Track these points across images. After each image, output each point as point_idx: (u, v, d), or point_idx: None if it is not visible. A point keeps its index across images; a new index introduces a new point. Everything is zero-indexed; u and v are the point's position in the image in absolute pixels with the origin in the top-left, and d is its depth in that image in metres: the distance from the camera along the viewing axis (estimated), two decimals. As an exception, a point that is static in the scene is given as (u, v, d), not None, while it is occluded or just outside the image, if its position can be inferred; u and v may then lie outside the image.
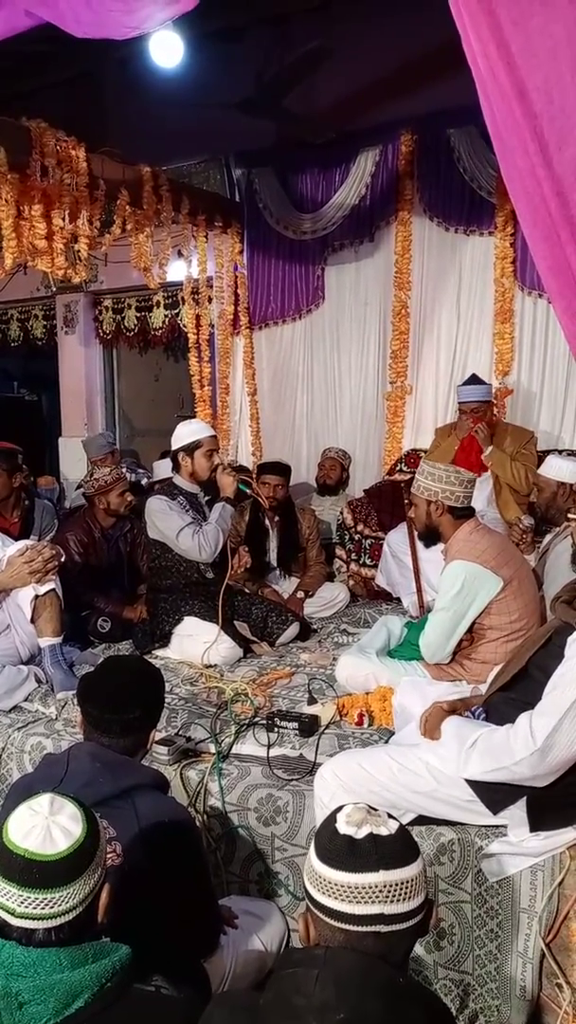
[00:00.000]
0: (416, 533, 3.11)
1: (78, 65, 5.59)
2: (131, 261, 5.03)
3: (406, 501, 4.40)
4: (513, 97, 1.91)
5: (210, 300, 5.88)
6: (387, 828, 1.21)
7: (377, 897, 1.15)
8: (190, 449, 3.72)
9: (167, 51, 4.63)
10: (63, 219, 4.20)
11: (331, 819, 1.25)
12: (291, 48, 5.21)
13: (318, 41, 4.97)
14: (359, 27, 5.10)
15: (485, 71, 1.96)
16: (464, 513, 2.90)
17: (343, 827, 1.21)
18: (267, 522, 4.51)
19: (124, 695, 1.89)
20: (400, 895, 1.16)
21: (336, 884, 1.17)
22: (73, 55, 4.72)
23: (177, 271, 5.59)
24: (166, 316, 6.63)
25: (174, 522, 3.61)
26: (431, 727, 2.24)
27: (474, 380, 4.65)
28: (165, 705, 2.99)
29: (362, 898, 1.15)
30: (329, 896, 1.17)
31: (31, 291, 7.12)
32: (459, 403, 4.64)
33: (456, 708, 2.31)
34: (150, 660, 3.41)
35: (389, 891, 1.16)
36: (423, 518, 2.94)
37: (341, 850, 1.19)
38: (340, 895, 1.16)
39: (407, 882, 1.17)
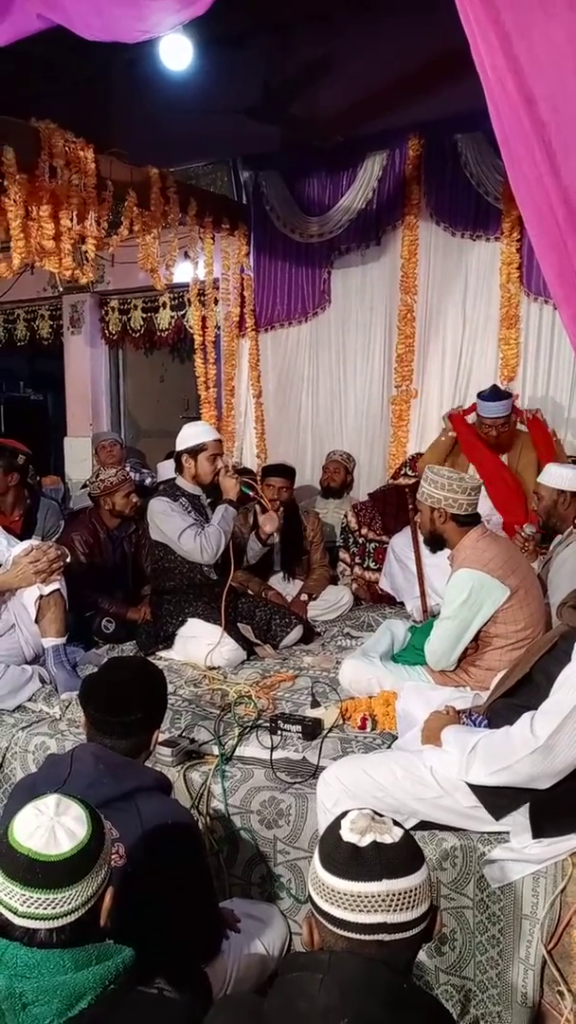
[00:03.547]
0: (422, 539, 3.10)
1: (87, 67, 5.59)
2: (138, 262, 5.05)
3: (410, 505, 4.40)
4: (521, 106, 1.92)
5: (216, 302, 5.89)
6: (391, 836, 1.21)
7: (380, 906, 1.15)
8: (194, 452, 3.73)
9: (176, 54, 4.65)
10: (71, 220, 4.21)
11: (335, 825, 1.25)
12: (298, 54, 5.23)
13: (325, 46, 4.98)
14: (366, 32, 5.11)
15: (493, 80, 1.97)
16: (469, 520, 2.88)
17: (347, 834, 1.21)
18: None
19: (126, 697, 1.89)
20: (404, 904, 1.16)
21: (339, 892, 1.17)
22: (82, 57, 4.73)
23: (183, 272, 5.60)
24: (172, 317, 6.63)
25: (176, 524, 3.62)
26: (431, 734, 2.24)
27: (496, 394, 4.52)
28: (169, 707, 3.01)
29: (365, 907, 1.15)
30: (332, 904, 1.18)
31: (38, 291, 7.13)
32: (480, 415, 4.53)
33: (455, 716, 2.32)
34: (154, 661, 3.43)
35: (392, 900, 1.16)
36: (427, 525, 2.93)
37: (345, 858, 1.19)
38: (343, 903, 1.16)
39: (411, 891, 1.17)
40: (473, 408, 4.66)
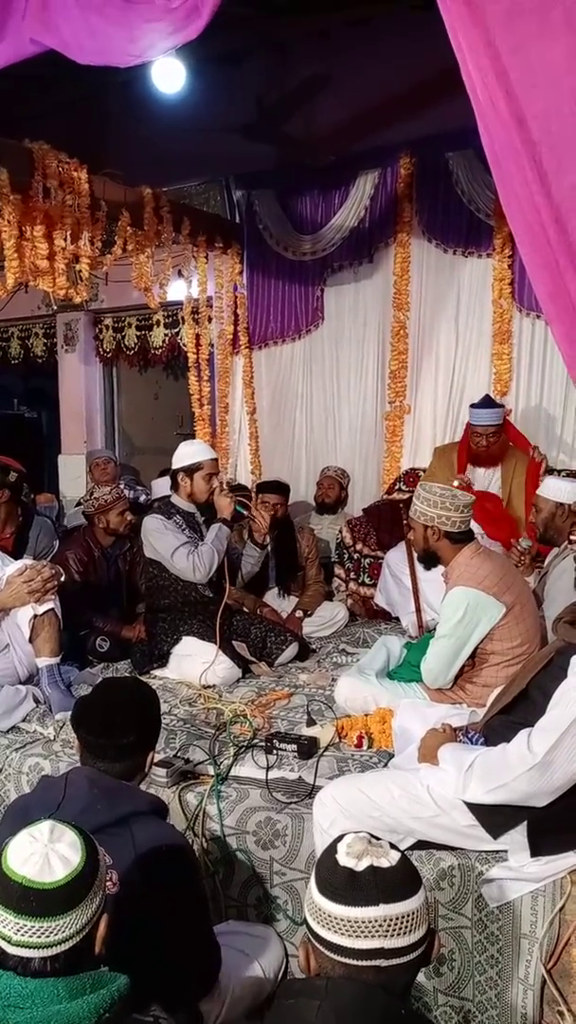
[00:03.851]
0: (416, 556, 3.10)
1: (80, 88, 5.64)
2: (132, 281, 5.07)
3: (404, 521, 4.40)
4: (512, 125, 1.94)
5: (210, 320, 5.91)
6: (388, 859, 1.20)
7: (377, 931, 1.14)
8: (190, 470, 3.73)
9: (169, 77, 4.68)
10: (65, 239, 4.23)
11: (332, 849, 1.24)
12: (291, 73, 5.28)
13: (317, 66, 5.04)
14: (358, 52, 5.16)
15: (484, 99, 1.99)
16: (463, 537, 2.88)
17: (343, 858, 1.20)
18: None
19: (118, 720, 1.87)
20: (401, 929, 1.15)
21: (336, 918, 1.16)
22: (75, 78, 4.76)
23: (177, 291, 5.62)
24: (166, 335, 6.66)
25: (169, 542, 3.61)
26: (428, 752, 2.23)
27: (488, 403, 4.60)
28: (164, 726, 2.98)
29: (362, 932, 1.14)
30: (329, 929, 1.16)
31: (32, 309, 7.16)
32: (471, 424, 4.59)
33: (451, 734, 2.31)
34: (148, 680, 3.42)
35: (390, 925, 1.14)
36: (421, 542, 2.92)
37: (341, 883, 1.18)
38: (340, 929, 1.15)
39: (408, 915, 1.16)
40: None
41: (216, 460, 3.84)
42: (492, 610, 2.73)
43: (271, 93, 5.37)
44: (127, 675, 3.65)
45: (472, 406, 4.63)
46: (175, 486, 3.81)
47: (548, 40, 1.91)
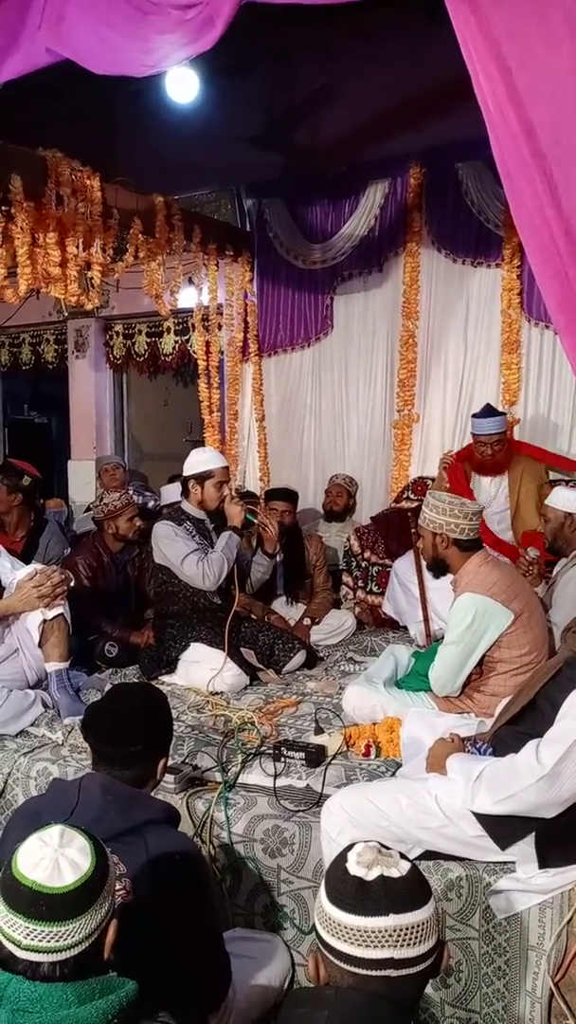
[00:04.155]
0: (424, 564, 3.11)
1: (94, 96, 5.68)
2: (143, 288, 5.10)
3: (413, 530, 4.40)
4: (522, 137, 1.95)
5: (220, 327, 5.94)
6: (398, 869, 1.20)
7: (387, 941, 1.14)
8: (201, 478, 3.74)
9: (182, 86, 4.73)
10: (77, 247, 4.26)
11: (342, 858, 1.24)
12: (301, 83, 5.31)
13: (327, 76, 5.07)
14: (368, 62, 5.19)
15: (494, 111, 2.00)
16: (471, 545, 2.89)
17: (353, 868, 1.20)
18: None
19: (127, 727, 1.85)
20: (411, 939, 1.15)
21: (345, 927, 1.16)
22: (89, 87, 4.81)
23: (188, 298, 5.65)
24: (176, 342, 6.69)
25: (179, 549, 3.62)
26: (436, 762, 2.22)
27: (489, 411, 4.61)
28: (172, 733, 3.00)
29: (372, 942, 1.14)
30: (338, 938, 1.16)
31: (43, 315, 7.19)
32: (474, 434, 4.59)
33: (460, 744, 2.30)
34: (156, 686, 3.42)
35: (400, 935, 1.14)
36: (430, 550, 2.93)
37: (351, 892, 1.17)
38: (349, 938, 1.15)
39: (418, 926, 1.16)
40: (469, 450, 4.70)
41: (227, 468, 3.85)
42: (500, 617, 2.74)
43: (280, 103, 5.40)
44: (138, 681, 3.65)
45: (474, 416, 4.64)
46: (185, 493, 3.82)
47: (556, 53, 1.93)
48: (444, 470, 4.64)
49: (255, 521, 3.88)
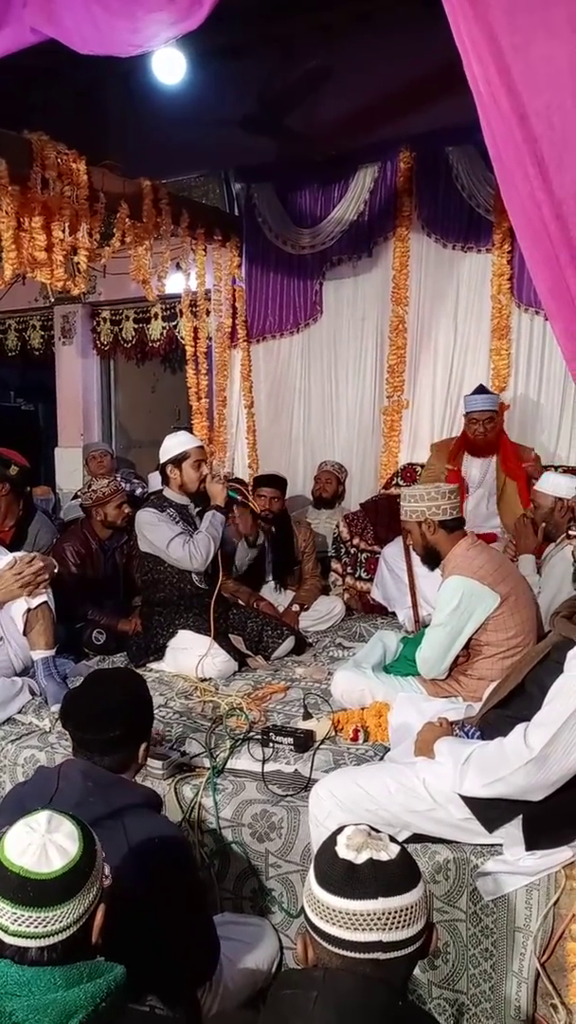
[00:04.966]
0: (419, 559, 3.13)
1: (80, 79, 5.62)
2: (130, 273, 5.06)
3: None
4: (514, 121, 1.93)
5: (208, 313, 5.90)
6: (388, 852, 1.20)
7: (376, 924, 1.14)
8: (178, 461, 3.72)
9: (169, 68, 4.68)
10: (63, 231, 4.21)
11: (331, 841, 1.24)
12: (292, 67, 5.27)
13: (319, 60, 5.03)
14: (360, 47, 5.15)
15: (486, 95, 1.98)
16: (456, 524, 2.92)
17: (343, 851, 1.20)
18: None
19: (104, 714, 1.84)
20: (400, 922, 1.15)
21: (334, 910, 1.16)
22: (75, 69, 4.76)
23: (175, 284, 5.61)
24: (164, 328, 6.64)
25: (164, 533, 3.61)
26: (424, 746, 2.23)
27: (482, 390, 4.68)
28: (160, 719, 2.99)
29: (361, 925, 1.14)
30: (327, 922, 1.17)
31: (29, 301, 7.13)
32: (467, 412, 4.65)
33: (448, 728, 2.31)
34: (144, 673, 3.42)
35: (388, 918, 1.15)
36: (420, 541, 2.96)
37: (340, 876, 1.18)
38: (338, 921, 1.15)
39: (407, 909, 1.16)
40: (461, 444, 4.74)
41: (203, 447, 3.83)
42: (487, 599, 2.76)
43: (271, 87, 5.36)
44: (118, 667, 3.64)
45: (467, 396, 4.70)
46: (165, 480, 3.81)
47: (551, 38, 1.91)
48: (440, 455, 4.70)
49: (239, 499, 3.86)
